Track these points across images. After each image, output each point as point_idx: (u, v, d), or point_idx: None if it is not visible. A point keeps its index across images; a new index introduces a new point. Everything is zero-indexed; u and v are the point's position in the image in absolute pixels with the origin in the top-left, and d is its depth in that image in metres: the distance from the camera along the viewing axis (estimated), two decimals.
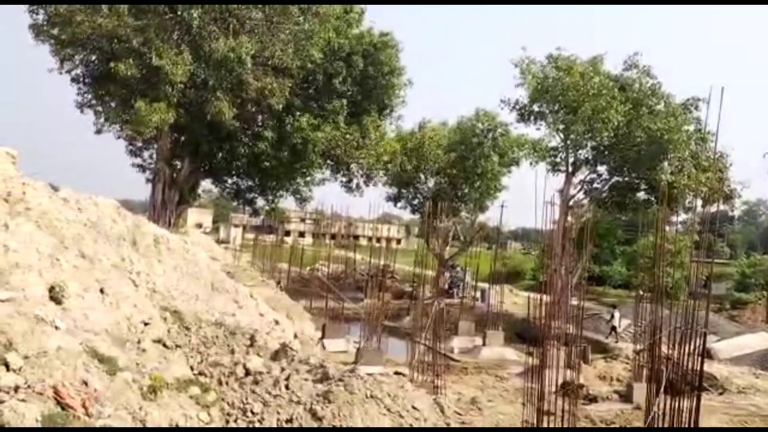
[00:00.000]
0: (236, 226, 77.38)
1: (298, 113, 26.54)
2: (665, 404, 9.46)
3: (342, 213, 39.14)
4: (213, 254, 32.47)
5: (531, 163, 33.33)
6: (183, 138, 27.45)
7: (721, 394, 17.45)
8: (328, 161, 29.06)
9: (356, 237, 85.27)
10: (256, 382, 8.06)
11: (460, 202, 36.16)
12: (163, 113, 22.72)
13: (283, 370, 8.86)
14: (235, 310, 12.07)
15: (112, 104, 25.20)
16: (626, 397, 16.24)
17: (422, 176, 37.07)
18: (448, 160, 34.84)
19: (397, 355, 20.02)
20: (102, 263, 8.90)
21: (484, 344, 22.39)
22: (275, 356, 9.60)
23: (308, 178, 31.18)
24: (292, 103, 26.23)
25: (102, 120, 25.82)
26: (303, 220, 77.62)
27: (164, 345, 8.33)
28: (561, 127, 30.67)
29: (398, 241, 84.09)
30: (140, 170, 29.48)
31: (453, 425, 8.86)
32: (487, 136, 33.61)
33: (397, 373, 13.43)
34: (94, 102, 26.24)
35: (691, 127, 29.47)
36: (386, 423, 7.56)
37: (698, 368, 9.29)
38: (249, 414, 7.31)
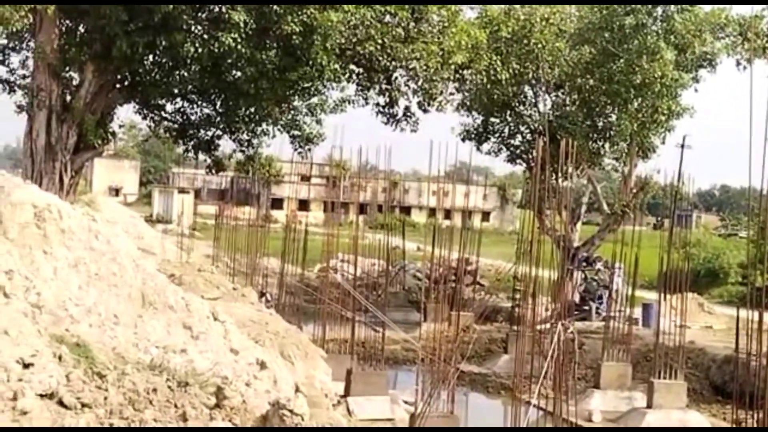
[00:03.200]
0: (183, 191, 78.45)
1: None
2: None
3: (380, 165, 39.17)
4: (143, 243, 33.13)
5: (738, 63, 32.65)
6: (82, 28, 27.60)
7: None
8: (352, 67, 28.94)
9: (407, 209, 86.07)
10: None
11: (601, 139, 35.81)
12: None
13: None
14: (185, 343, 12.18)
15: None
16: None
17: (529, 92, 36.73)
18: (578, 61, 34.45)
19: (487, 426, 20.10)
20: None
21: (649, 405, 22.36)
22: (263, 424, 9.68)
23: (315, 100, 31.06)
24: None
25: None
26: (306, 178, 78.01)
27: (61, 403, 8.48)
28: None
29: (485, 216, 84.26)
30: (6, 88, 29.94)
31: None
32: (652, 12, 33.13)
33: None
34: None
35: None
36: None
37: None
38: None
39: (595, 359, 25.81)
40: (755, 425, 16.14)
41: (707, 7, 33.41)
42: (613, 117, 35.07)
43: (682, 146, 34.84)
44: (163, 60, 28.55)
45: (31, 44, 28.22)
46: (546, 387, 18.03)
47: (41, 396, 8.37)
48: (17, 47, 29.71)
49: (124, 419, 8.97)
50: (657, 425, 21.70)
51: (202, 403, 9.84)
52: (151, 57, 28.57)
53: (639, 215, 34.21)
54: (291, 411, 10.20)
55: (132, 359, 10.58)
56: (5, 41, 29.30)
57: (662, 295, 25.25)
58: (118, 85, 29.14)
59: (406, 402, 20.97)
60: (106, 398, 9.16)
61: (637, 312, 30.16)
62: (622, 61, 33.14)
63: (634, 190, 37.46)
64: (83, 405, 8.64)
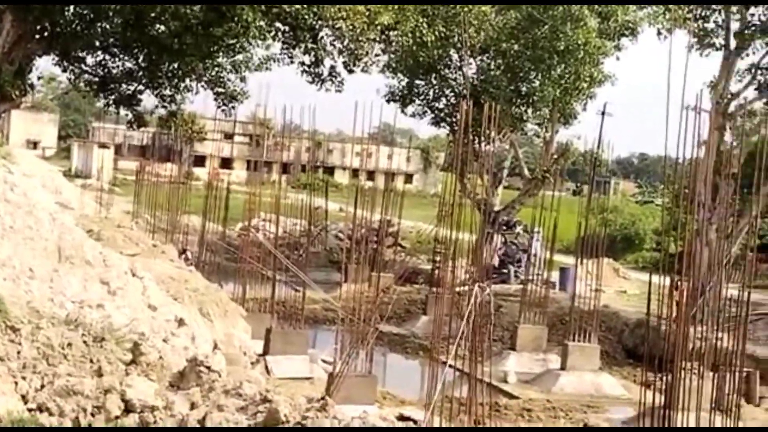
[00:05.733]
0: (103, 146, 77.35)
1: None
2: None
3: (304, 124, 39.05)
4: (61, 198, 32.62)
5: (659, 33, 33.05)
6: None
7: None
8: (278, 24, 28.74)
9: (330, 169, 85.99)
10: (145, 425, 8.20)
11: (524, 104, 36.03)
12: None
13: (193, 405, 8.96)
14: (102, 298, 12.11)
15: None
16: None
17: (454, 55, 36.79)
18: (503, 26, 34.55)
19: (403, 387, 20.33)
20: None
21: (563, 367, 22.76)
22: (179, 381, 9.69)
23: (239, 57, 30.83)
24: None
25: None
26: (229, 136, 77.63)
27: None
28: None
29: (407, 178, 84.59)
30: None
31: None
32: None
33: (402, 418, 13.60)
34: None
35: None
36: None
37: None
38: None
39: (512, 321, 26.15)
40: (664, 387, 16.54)
41: None
42: (536, 83, 35.15)
43: (603, 113, 35.30)
44: (85, 11, 28.06)
45: None
46: (463, 348, 18.24)
47: None
48: None
49: (37, 373, 8.93)
50: (570, 387, 22.06)
51: (117, 359, 9.83)
52: (72, 8, 28.07)
53: (559, 181, 34.51)
54: (208, 368, 10.23)
55: (47, 314, 10.50)
56: None
57: (579, 259, 25.63)
58: (37, 36, 28.57)
59: (324, 361, 21.04)
60: (19, 352, 9.10)
61: (555, 276, 30.54)
62: (546, 27, 33.16)
63: (555, 156, 37.84)
64: None
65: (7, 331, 9.32)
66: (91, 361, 9.51)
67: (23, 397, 8.34)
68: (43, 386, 8.56)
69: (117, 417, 8.40)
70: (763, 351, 24.98)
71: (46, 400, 8.33)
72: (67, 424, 8.01)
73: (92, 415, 8.34)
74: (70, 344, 9.60)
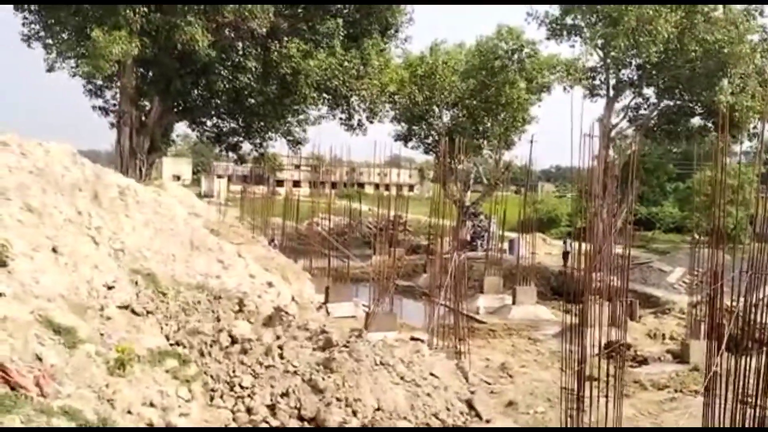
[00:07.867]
0: (220, 176, 77.41)
1: (286, 38, 25.93)
2: (727, 364, 9.23)
3: (343, 157, 38.74)
4: (195, 209, 32.52)
5: (565, 88, 32.77)
6: (150, 73, 27.05)
7: None
8: (324, 95, 28.62)
9: (361, 185, 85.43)
10: (244, 351, 8.00)
11: (481, 138, 35.75)
12: (125, 43, 22.32)
13: (277, 337, 8.77)
14: (219, 272, 11.96)
15: (64, 35, 24.75)
16: (681, 357, 16.25)
17: (436, 109, 36.60)
18: (466, 89, 34.26)
19: (413, 319, 20.14)
20: (53, 217, 8.71)
21: (514, 302, 22.50)
22: (268, 322, 9.54)
23: (301, 117, 30.86)
24: (277, 26, 25.60)
25: (53, 55, 25.42)
26: (297, 167, 77.48)
27: (133, 312, 8.25)
28: (600, 42, 29.89)
29: (410, 188, 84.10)
30: (102, 113, 29.32)
31: (480, 394, 8.80)
32: (511, 58, 32.87)
33: (413, 339, 13.42)
34: (42, 33, 25.78)
35: (756, 37, 28.66)
36: (400, 393, 7.49)
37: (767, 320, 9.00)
38: (237, 388, 7.24)
39: (480, 275, 25.87)
40: (577, 313, 16.22)
41: (545, 52, 33.16)
42: (488, 124, 34.87)
43: (531, 142, 34.85)
44: (204, 93, 28.09)
45: (118, 84, 27.60)
46: (450, 293, 18.00)
47: (119, 307, 8.14)
48: (109, 86, 29.07)
49: (178, 321, 8.75)
50: (519, 315, 21.78)
51: (230, 309, 9.66)
52: (195, 91, 28.10)
53: (506, 185, 34.26)
54: (287, 313, 10.05)
55: (184, 283, 10.35)
56: (101, 82, 28.56)
57: (521, 234, 25.36)
58: (175, 110, 28.62)
59: (363, 305, 20.87)
60: (167, 308, 8.94)
61: (506, 245, 30.24)
62: (493, 89, 32.88)
63: (502, 170, 37.52)
64: (148, 312, 8.43)
65: (158, 294, 9.18)
66: (213, 311, 9.35)
67: (166, 337, 8.18)
68: (178, 329, 8.40)
69: (227, 347, 8.21)
70: (640, 287, 24.66)
71: (181, 338, 8.15)
72: (195, 353, 7.83)
73: (210, 345, 8.17)
74: (199, 301, 9.45)
